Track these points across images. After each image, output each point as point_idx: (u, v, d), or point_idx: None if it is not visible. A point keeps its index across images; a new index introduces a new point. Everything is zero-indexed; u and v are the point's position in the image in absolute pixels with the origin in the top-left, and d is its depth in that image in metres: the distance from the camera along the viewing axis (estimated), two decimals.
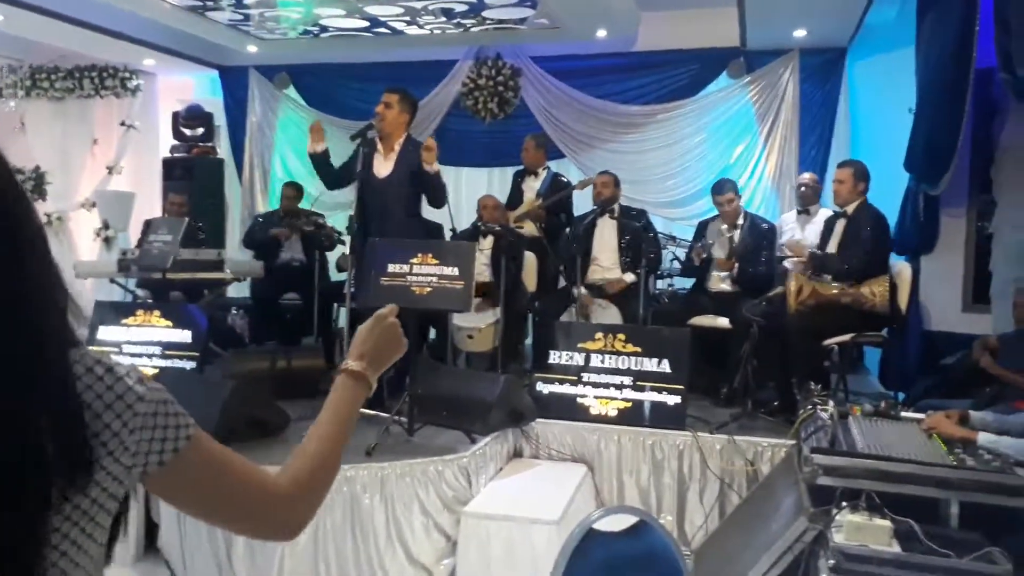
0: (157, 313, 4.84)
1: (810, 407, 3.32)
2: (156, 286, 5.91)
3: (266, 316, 6.23)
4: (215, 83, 8.10)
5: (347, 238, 4.87)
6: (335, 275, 6.34)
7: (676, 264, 6.11)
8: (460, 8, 6.10)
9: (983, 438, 2.85)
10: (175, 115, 7.88)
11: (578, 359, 4.43)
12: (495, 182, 7.24)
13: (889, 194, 5.20)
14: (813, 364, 4.35)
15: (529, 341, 5.90)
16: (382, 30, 6.67)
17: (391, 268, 4.21)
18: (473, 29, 6.68)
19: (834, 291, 4.47)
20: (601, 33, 6.59)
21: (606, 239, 5.60)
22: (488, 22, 6.48)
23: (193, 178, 7.50)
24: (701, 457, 4.03)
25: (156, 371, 4.54)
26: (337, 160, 4.89)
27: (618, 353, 4.37)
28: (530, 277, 5.84)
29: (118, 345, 4.73)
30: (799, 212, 5.68)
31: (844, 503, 2.64)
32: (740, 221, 5.33)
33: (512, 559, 3.43)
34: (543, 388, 4.45)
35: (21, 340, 0.84)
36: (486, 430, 3.98)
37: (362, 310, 4.33)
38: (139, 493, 1.05)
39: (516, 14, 6.27)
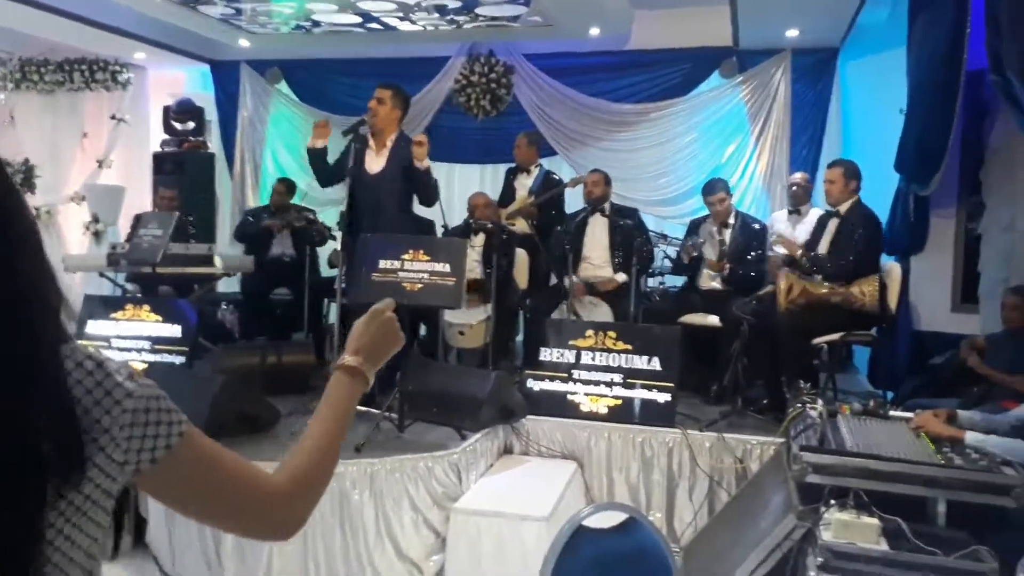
0: (147, 307, 4.82)
1: (799, 405, 3.34)
2: (145, 280, 5.88)
3: (256, 311, 6.22)
4: (206, 77, 8.05)
5: (338, 234, 4.86)
6: (326, 271, 6.33)
7: (667, 262, 6.12)
8: (453, 5, 6.09)
9: (970, 437, 2.87)
10: (166, 109, 7.83)
11: (569, 356, 4.43)
12: (487, 179, 7.24)
13: (879, 194, 5.22)
14: (803, 363, 4.36)
15: (520, 338, 5.90)
16: (375, 26, 6.65)
17: (382, 264, 4.21)
18: (466, 26, 6.67)
19: (824, 290, 4.49)
20: (594, 31, 6.59)
21: (597, 237, 5.60)
22: (481, 19, 6.47)
23: (184, 173, 7.46)
24: (691, 454, 4.05)
25: (145, 366, 4.52)
26: (330, 156, 4.87)
27: (609, 350, 4.38)
28: (521, 274, 5.84)
29: (107, 339, 4.71)
30: (790, 212, 5.70)
31: (832, 501, 2.66)
32: (731, 221, 5.34)
33: (502, 555, 3.44)
34: (534, 385, 4.46)
35: (16, 340, 0.83)
36: (476, 426, 3.98)
37: (353, 306, 4.32)
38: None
39: (509, 11, 6.26)
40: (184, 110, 7.76)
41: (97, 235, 7.66)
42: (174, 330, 4.72)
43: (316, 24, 6.70)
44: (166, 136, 7.79)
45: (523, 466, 4.15)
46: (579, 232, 5.58)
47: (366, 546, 3.46)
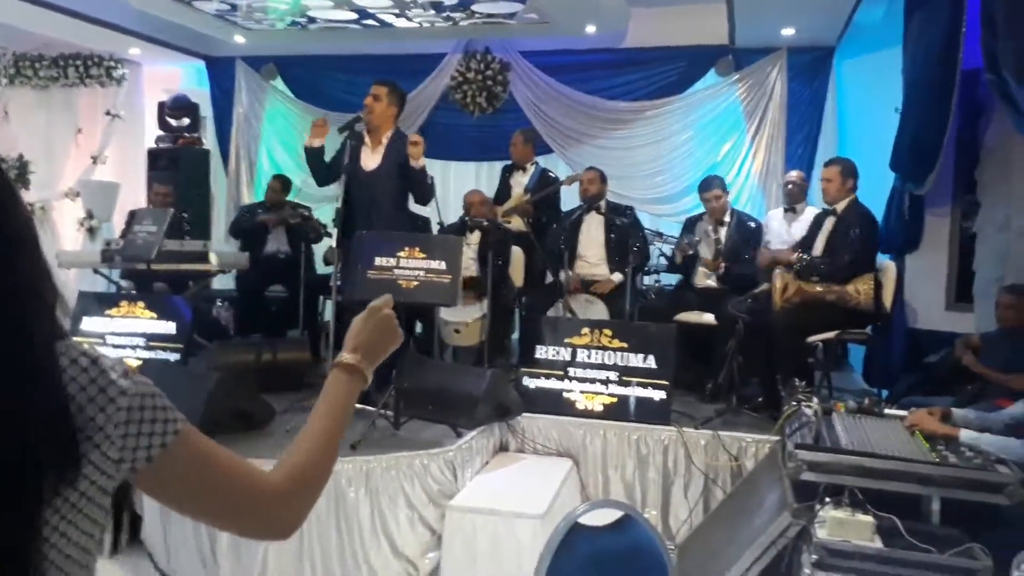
0: (141, 304, 4.80)
1: (794, 403, 3.34)
2: (140, 277, 5.87)
3: (251, 308, 6.20)
4: (201, 73, 8.03)
5: (333, 231, 4.85)
6: (321, 268, 6.32)
7: (663, 260, 6.12)
8: (449, 2, 6.08)
9: (965, 435, 2.87)
10: (161, 105, 7.80)
11: (564, 354, 4.43)
12: (483, 176, 7.23)
13: (875, 193, 5.23)
14: (798, 361, 4.37)
15: (516, 336, 5.90)
16: (371, 22, 6.64)
17: (378, 261, 4.20)
18: (462, 23, 6.66)
19: (819, 289, 4.50)
20: (590, 29, 6.59)
21: (593, 235, 5.60)
22: (477, 16, 6.47)
23: (178, 169, 7.43)
24: (686, 452, 4.05)
25: (140, 363, 4.52)
26: (326, 154, 4.85)
27: (604, 348, 4.38)
28: (517, 272, 5.84)
29: (102, 336, 4.70)
30: (785, 210, 5.70)
31: (827, 499, 2.66)
32: (727, 218, 5.35)
33: (497, 553, 3.44)
34: (529, 383, 4.46)
35: (12, 337, 0.82)
36: (472, 424, 3.98)
37: (348, 303, 4.32)
38: None
39: (505, 8, 6.25)
40: (179, 106, 7.73)
41: (91, 231, 7.64)
42: (169, 327, 4.71)
43: (312, 20, 6.68)
44: (161, 132, 7.76)
45: (519, 464, 4.15)
46: (574, 230, 5.58)
47: (362, 543, 3.45)
